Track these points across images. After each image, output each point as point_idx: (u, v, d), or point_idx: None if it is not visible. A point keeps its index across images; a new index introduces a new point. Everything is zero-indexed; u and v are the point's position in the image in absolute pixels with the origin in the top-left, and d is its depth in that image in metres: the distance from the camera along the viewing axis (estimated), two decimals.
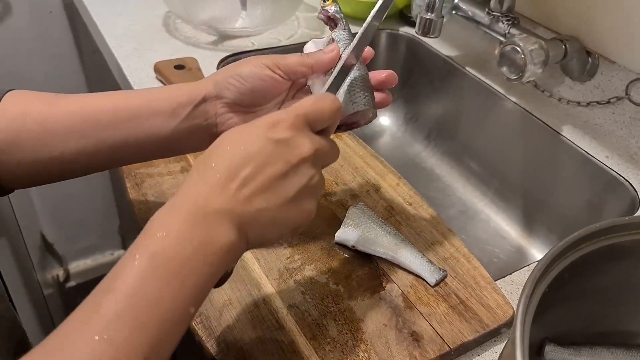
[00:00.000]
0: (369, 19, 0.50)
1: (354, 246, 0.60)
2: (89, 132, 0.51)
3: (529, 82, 0.84)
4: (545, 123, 0.83)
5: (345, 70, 0.49)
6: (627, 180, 0.74)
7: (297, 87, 0.55)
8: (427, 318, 0.54)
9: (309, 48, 0.54)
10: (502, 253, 0.87)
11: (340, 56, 0.51)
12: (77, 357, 0.33)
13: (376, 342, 0.51)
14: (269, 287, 0.56)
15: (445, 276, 0.58)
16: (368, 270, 0.59)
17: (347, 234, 0.60)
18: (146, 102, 0.52)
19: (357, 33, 0.50)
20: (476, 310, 0.55)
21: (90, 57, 1.42)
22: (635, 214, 0.70)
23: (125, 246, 1.78)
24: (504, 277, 0.61)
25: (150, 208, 0.63)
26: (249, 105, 0.53)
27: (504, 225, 0.90)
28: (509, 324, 0.54)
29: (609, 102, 0.79)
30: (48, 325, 1.45)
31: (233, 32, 0.97)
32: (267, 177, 0.41)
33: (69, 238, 1.69)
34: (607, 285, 0.48)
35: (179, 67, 0.85)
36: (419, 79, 1.04)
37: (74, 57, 1.43)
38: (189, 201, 0.39)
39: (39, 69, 1.39)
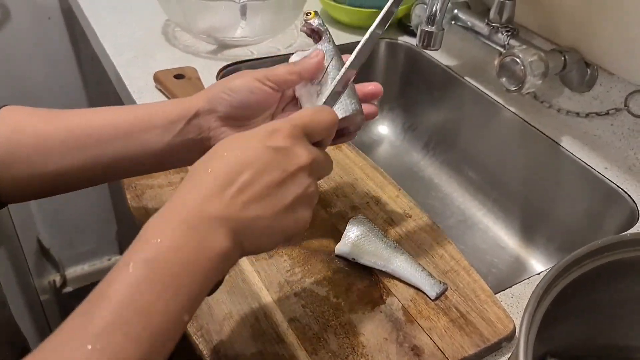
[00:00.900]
0: (370, 29, 0.50)
1: (354, 259, 0.60)
2: (84, 148, 0.51)
3: (527, 93, 0.85)
4: (544, 133, 0.83)
5: (343, 84, 0.50)
6: (625, 192, 0.74)
7: (286, 100, 0.56)
8: (427, 332, 0.54)
9: (294, 60, 0.55)
10: (501, 263, 0.87)
11: (327, 69, 0.52)
12: None
13: (377, 356, 0.51)
14: (269, 300, 0.56)
15: (446, 289, 0.58)
16: (368, 283, 0.58)
17: (347, 246, 0.60)
18: (139, 118, 0.52)
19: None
20: (477, 324, 0.55)
21: (88, 63, 1.42)
22: (636, 225, 0.70)
23: (122, 252, 1.76)
24: (504, 290, 0.61)
25: None
26: (241, 118, 0.54)
27: (502, 235, 0.90)
28: (510, 337, 0.55)
29: (607, 113, 0.80)
30: (45, 331, 1.44)
31: (232, 41, 0.97)
32: (264, 184, 0.41)
33: (66, 243, 1.69)
34: (609, 300, 0.48)
35: (179, 76, 0.85)
36: (418, 88, 1.04)
37: (73, 63, 1.43)
38: (185, 207, 0.39)
39: (38, 74, 1.39)
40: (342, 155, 0.75)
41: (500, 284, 0.85)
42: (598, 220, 0.78)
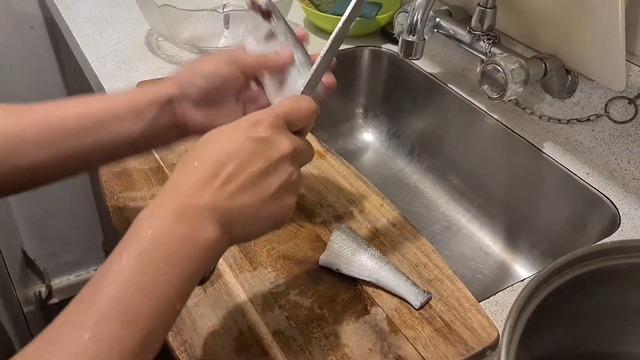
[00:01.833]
0: (340, 23, 0.52)
1: (338, 269, 0.60)
2: (56, 141, 0.51)
3: (509, 100, 0.85)
4: (526, 140, 0.83)
5: (318, 74, 0.51)
6: (607, 198, 0.74)
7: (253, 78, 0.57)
8: (412, 342, 0.54)
9: (250, 43, 0.56)
10: (486, 269, 0.88)
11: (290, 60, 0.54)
12: (69, 357, 0.34)
13: None
14: (253, 313, 0.56)
15: (430, 299, 0.58)
16: (353, 293, 0.58)
17: (331, 257, 0.60)
18: (109, 108, 0.53)
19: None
20: (461, 333, 0.55)
21: (71, 72, 1.41)
22: (617, 230, 0.70)
23: None
24: (488, 297, 0.61)
25: None
26: (212, 102, 0.55)
27: (487, 241, 0.91)
28: (494, 346, 0.55)
29: (588, 119, 0.81)
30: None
31: (216, 51, 0.96)
32: (249, 174, 0.42)
33: (52, 253, 1.67)
34: (590, 308, 0.49)
35: None
36: (402, 95, 1.04)
37: (56, 72, 1.42)
38: (173, 199, 0.41)
39: (21, 83, 1.38)
40: (326, 164, 0.75)
41: (485, 290, 0.85)
42: (581, 225, 0.79)
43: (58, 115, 0.52)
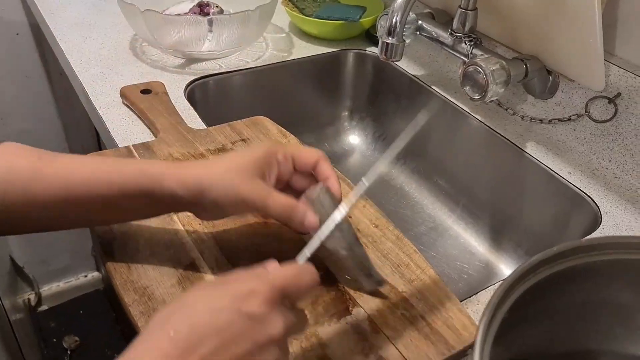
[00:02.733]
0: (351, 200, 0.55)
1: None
2: (69, 209, 0.54)
3: (492, 101, 0.86)
4: (509, 140, 0.84)
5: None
6: (589, 196, 0.75)
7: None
8: (393, 342, 0.54)
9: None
10: (472, 269, 0.88)
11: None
12: None
13: None
14: None
15: (382, 285, 0.58)
16: (334, 294, 0.59)
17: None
18: (115, 185, 0.53)
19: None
20: (442, 332, 0.55)
21: (58, 78, 1.41)
22: (598, 229, 0.71)
23: (98, 268, 1.76)
24: (469, 297, 0.62)
25: (120, 243, 0.63)
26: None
27: (472, 241, 0.91)
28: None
29: (569, 119, 0.81)
30: (15, 352, 1.42)
31: (200, 55, 0.97)
32: (231, 355, 0.37)
33: (40, 260, 1.66)
34: (566, 305, 0.49)
35: (146, 91, 0.85)
36: (386, 97, 1.05)
37: (43, 78, 1.42)
38: None
39: (7, 90, 1.38)
40: None
41: (471, 289, 0.86)
42: (564, 224, 0.80)
43: (74, 188, 0.53)
